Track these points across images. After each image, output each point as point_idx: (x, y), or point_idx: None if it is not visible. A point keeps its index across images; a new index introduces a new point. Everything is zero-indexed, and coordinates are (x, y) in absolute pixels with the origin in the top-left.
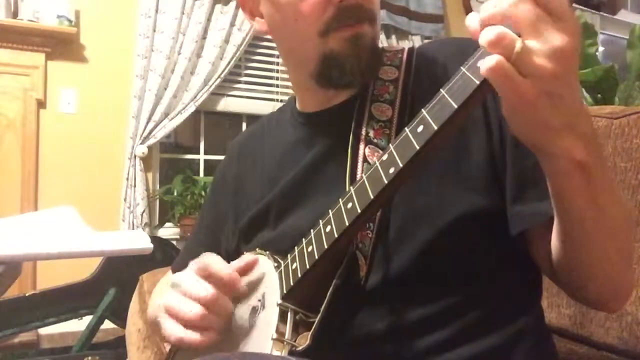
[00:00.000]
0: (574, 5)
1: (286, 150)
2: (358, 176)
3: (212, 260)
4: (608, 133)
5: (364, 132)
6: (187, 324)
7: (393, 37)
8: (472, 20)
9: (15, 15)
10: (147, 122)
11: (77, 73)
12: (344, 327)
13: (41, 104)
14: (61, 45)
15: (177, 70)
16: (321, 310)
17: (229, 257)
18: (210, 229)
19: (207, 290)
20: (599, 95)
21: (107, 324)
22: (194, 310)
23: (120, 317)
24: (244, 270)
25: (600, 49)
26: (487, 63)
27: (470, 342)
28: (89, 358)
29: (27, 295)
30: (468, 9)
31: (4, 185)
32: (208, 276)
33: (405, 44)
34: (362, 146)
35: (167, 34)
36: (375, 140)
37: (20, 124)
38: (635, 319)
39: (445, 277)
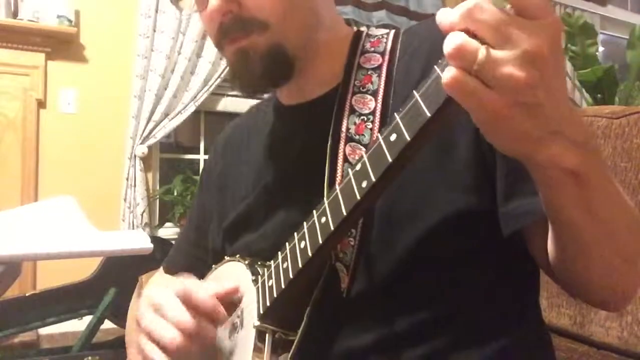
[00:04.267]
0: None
1: (268, 147)
2: (337, 179)
3: (193, 286)
4: (608, 133)
5: (344, 129)
6: (168, 351)
7: None
8: (443, 17)
9: (15, 15)
10: (147, 122)
11: (77, 73)
12: (326, 342)
13: (41, 104)
14: (61, 45)
15: (177, 70)
16: (300, 329)
17: (215, 256)
18: (199, 228)
19: (189, 318)
20: (599, 95)
21: (107, 324)
22: (177, 339)
23: (120, 317)
24: (224, 298)
25: (600, 49)
26: (444, 77)
27: (461, 351)
28: (89, 358)
29: (27, 295)
30: None
31: (4, 185)
32: (190, 304)
33: None
34: (342, 145)
35: (167, 34)
36: (357, 137)
37: (20, 124)
38: (636, 319)
39: (434, 283)
